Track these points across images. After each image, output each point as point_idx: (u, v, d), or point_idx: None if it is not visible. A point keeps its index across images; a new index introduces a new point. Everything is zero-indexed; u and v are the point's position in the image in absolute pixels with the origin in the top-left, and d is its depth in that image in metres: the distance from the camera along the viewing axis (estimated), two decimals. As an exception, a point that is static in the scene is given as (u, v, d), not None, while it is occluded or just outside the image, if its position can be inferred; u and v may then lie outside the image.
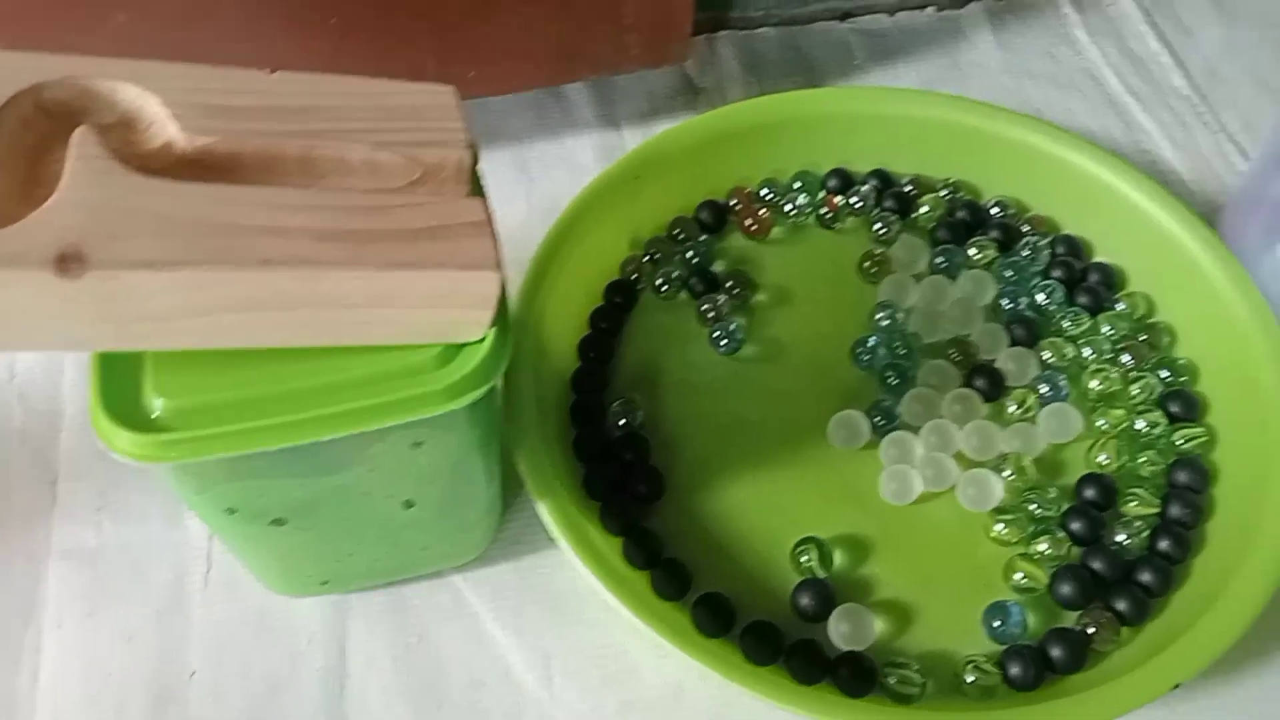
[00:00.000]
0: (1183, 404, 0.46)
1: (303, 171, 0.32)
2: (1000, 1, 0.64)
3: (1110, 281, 0.50)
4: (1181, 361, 0.48)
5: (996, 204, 0.53)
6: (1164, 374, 0.47)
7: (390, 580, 0.43)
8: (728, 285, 0.50)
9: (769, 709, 0.37)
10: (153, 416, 0.30)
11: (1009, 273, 0.50)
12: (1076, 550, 0.43)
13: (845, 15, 0.63)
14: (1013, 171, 0.53)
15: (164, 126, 0.31)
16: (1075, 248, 0.52)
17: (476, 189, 0.35)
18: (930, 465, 0.45)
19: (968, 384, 0.47)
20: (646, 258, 0.51)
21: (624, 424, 0.46)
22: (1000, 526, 0.43)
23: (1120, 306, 0.49)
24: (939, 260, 0.51)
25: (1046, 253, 0.51)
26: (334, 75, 0.34)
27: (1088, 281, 0.50)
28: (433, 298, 0.31)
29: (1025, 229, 0.52)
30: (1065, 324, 0.49)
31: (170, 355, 0.31)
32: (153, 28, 0.45)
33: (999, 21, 0.64)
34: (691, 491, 0.45)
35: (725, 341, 0.48)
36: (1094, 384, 0.47)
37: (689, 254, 0.51)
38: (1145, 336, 0.48)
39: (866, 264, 0.51)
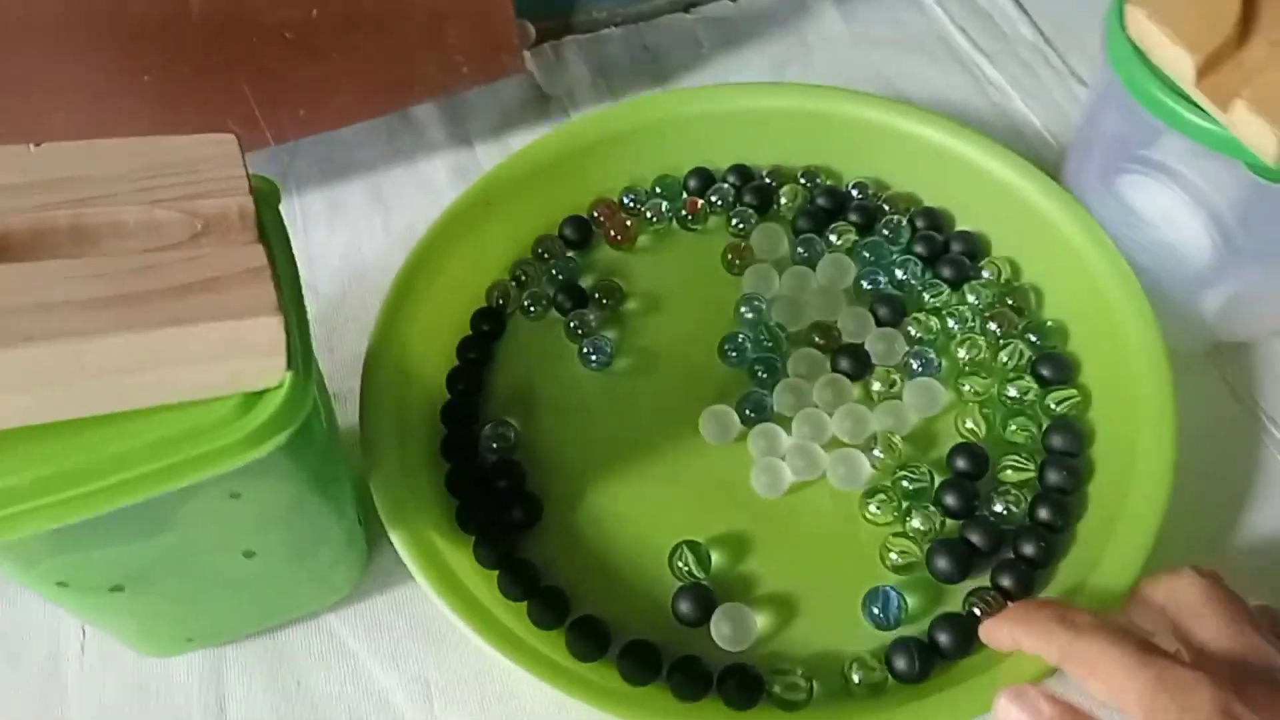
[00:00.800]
0: (1053, 367, 0.46)
1: (75, 241, 0.32)
2: (842, -27, 0.65)
3: (974, 251, 0.50)
4: (1049, 324, 0.48)
5: (855, 186, 0.53)
6: (1032, 338, 0.47)
7: (260, 629, 0.42)
8: (596, 298, 0.50)
9: None
10: (-54, 505, 0.30)
11: (867, 253, 0.50)
12: (953, 524, 0.43)
13: (689, 6, 0.63)
14: (868, 152, 0.53)
15: (-75, 214, 0.31)
16: (936, 221, 0.52)
17: (269, 231, 0.34)
18: (799, 454, 0.45)
19: (834, 368, 0.47)
20: (513, 281, 0.51)
21: (497, 449, 0.46)
22: (874, 507, 0.43)
23: (985, 275, 0.49)
24: (799, 250, 0.51)
25: (907, 230, 0.51)
26: (105, 140, 0.34)
27: (950, 253, 0.50)
28: (214, 350, 0.31)
29: (886, 208, 0.52)
30: (927, 297, 0.49)
31: (-35, 441, 0.31)
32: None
33: (842, -7, 0.64)
34: (570, 512, 0.45)
35: (595, 357, 0.48)
36: (962, 353, 0.47)
37: (555, 272, 0.51)
38: (1011, 301, 0.48)
39: (729, 256, 0.51)
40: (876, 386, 0.46)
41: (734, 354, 0.48)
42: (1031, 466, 0.43)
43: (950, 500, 0.43)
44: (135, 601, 0.37)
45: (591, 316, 0.49)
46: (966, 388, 0.46)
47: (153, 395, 0.31)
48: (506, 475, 0.45)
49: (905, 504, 0.43)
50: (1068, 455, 0.44)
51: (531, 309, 0.50)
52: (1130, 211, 0.45)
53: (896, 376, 0.46)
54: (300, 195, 0.56)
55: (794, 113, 0.53)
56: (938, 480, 0.44)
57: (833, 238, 0.51)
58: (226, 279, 0.31)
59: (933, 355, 0.47)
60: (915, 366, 0.47)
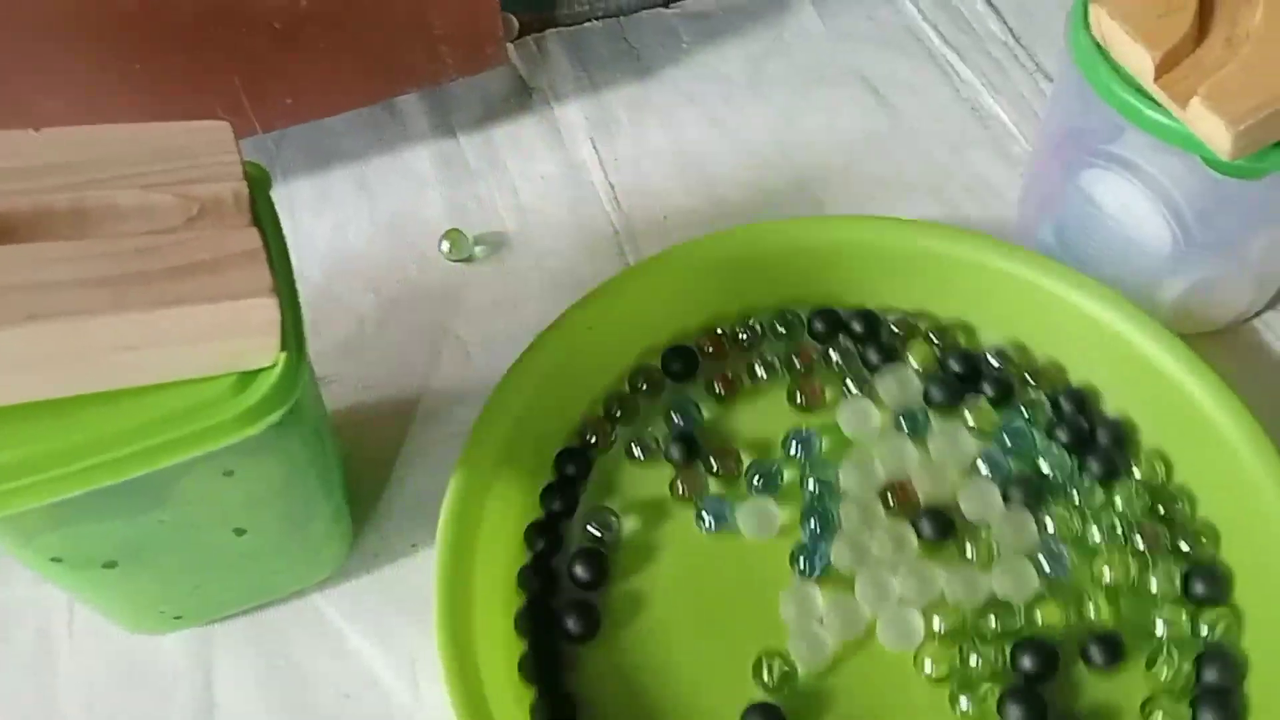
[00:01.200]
0: (1206, 582, 0.42)
1: (75, 224, 0.33)
2: (819, -29, 0.66)
3: (1121, 440, 0.46)
4: (1201, 532, 0.43)
5: (995, 352, 0.49)
6: (1183, 545, 0.43)
7: (248, 607, 0.43)
8: (711, 462, 0.46)
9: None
10: (-44, 478, 0.31)
11: (1007, 438, 0.46)
12: None
13: (669, 1, 0.65)
14: (1008, 310, 0.49)
15: (-73, 196, 0.32)
16: (1083, 403, 0.47)
17: (262, 216, 0.35)
18: (838, 612, 0.42)
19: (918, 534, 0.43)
20: (607, 417, 0.47)
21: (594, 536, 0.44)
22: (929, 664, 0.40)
23: (1136, 473, 0.45)
24: (913, 421, 0.46)
25: (1047, 409, 0.46)
26: (102, 126, 0.35)
27: (1098, 443, 0.46)
28: (211, 330, 0.32)
29: (1030, 380, 0.48)
30: (1076, 496, 0.44)
31: (-34, 417, 0.31)
32: (-47, 93, 0.45)
33: (818, -10, 0.66)
34: (623, 654, 0.42)
35: (711, 522, 0.44)
36: (1106, 573, 0.42)
37: (674, 415, 0.47)
38: (1163, 509, 0.44)
39: (800, 398, 0.47)
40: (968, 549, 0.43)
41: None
42: (1187, 712, 0.39)
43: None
44: (128, 578, 0.38)
45: (705, 476, 0.45)
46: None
47: (151, 373, 0.32)
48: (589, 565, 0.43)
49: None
50: (1223, 692, 0.39)
51: (638, 452, 0.46)
52: (1092, 204, 0.47)
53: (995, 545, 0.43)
54: (287, 183, 0.56)
55: (933, 256, 0.49)
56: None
57: (968, 414, 0.46)
58: (222, 261, 0.32)
59: (1065, 552, 0.43)
60: (1047, 569, 0.42)
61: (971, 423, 0.46)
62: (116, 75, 0.47)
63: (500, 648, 0.41)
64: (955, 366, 0.48)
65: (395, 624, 0.43)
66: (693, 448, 0.46)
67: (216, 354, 0.32)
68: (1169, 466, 0.45)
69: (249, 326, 0.32)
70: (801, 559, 0.43)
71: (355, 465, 0.47)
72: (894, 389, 0.47)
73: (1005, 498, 0.44)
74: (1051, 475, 0.45)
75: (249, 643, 0.43)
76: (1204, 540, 0.43)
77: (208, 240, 0.33)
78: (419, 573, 0.44)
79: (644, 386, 0.48)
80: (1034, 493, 0.44)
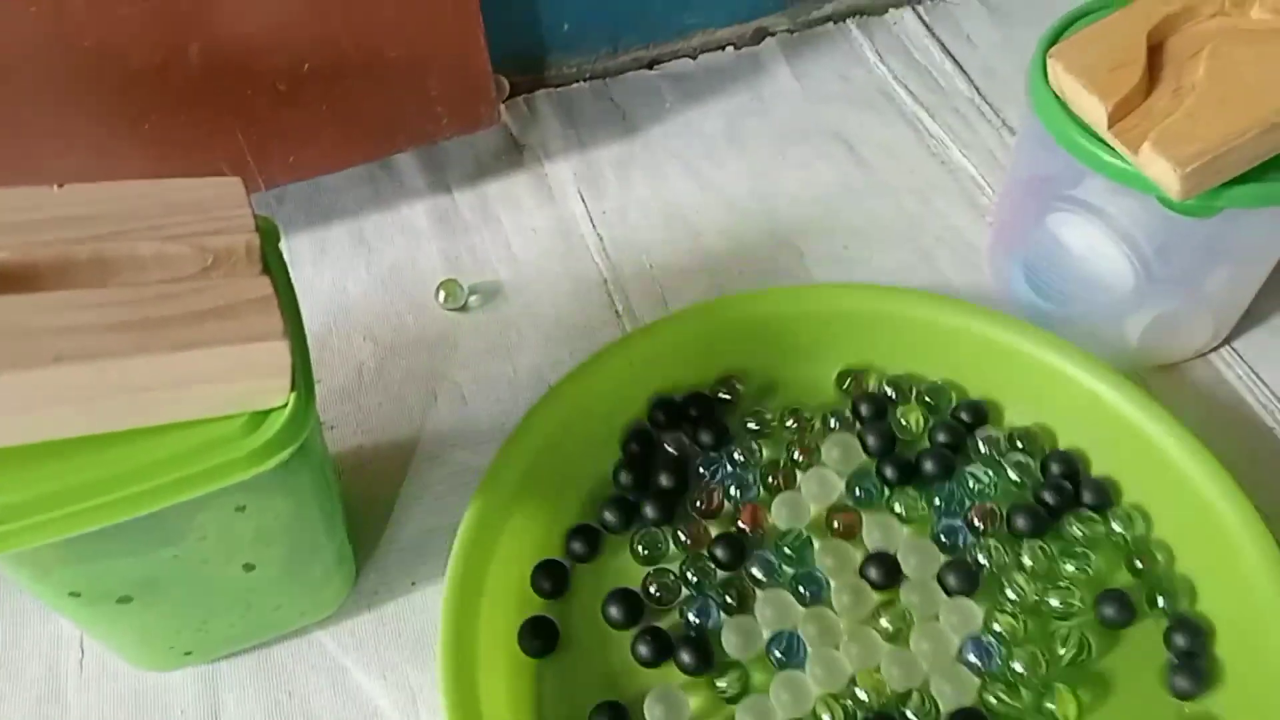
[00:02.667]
0: (1186, 633, 0.43)
1: (97, 272, 0.35)
2: (794, 33, 0.70)
3: (1105, 503, 0.47)
4: (1179, 586, 0.45)
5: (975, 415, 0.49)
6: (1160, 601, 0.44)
7: (255, 644, 0.45)
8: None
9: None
10: (-19, 514, 0.32)
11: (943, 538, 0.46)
12: None
13: (652, 63, 0.68)
14: (993, 373, 0.50)
15: (-42, 248, 0.34)
16: (1072, 466, 0.48)
17: (270, 266, 0.37)
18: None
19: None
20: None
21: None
22: None
23: (1115, 525, 0.46)
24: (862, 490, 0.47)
25: (1035, 472, 0.48)
26: (121, 182, 0.37)
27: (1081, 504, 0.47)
28: (225, 371, 0.34)
29: (1019, 444, 0.49)
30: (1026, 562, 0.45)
31: (-9, 455, 0.33)
32: (-29, 156, 0.47)
33: (794, 52, 0.69)
34: None
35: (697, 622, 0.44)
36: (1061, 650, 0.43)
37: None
38: (1140, 564, 0.45)
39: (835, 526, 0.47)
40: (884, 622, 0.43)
41: None
42: None
43: None
44: (142, 613, 0.39)
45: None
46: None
47: (168, 412, 0.34)
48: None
49: None
50: None
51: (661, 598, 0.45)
52: (1059, 245, 0.50)
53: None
54: (288, 238, 0.59)
55: (916, 322, 0.51)
56: None
57: (972, 478, 0.47)
58: (237, 307, 0.34)
59: (993, 646, 0.43)
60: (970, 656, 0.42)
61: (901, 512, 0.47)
62: (126, 134, 0.50)
63: (503, 686, 0.42)
64: (942, 438, 0.49)
65: (396, 660, 0.45)
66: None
67: (231, 394, 0.34)
68: (1148, 521, 0.46)
69: (261, 368, 0.34)
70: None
71: (356, 506, 0.48)
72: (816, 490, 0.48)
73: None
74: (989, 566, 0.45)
75: (255, 679, 0.44)
76: (1180, 594, 0.44)
77: (222, 288, 0.35)
78: (419, 610, 0.46)
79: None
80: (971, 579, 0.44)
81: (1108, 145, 0.44)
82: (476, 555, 0.44)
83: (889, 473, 0.47)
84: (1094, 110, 0.43)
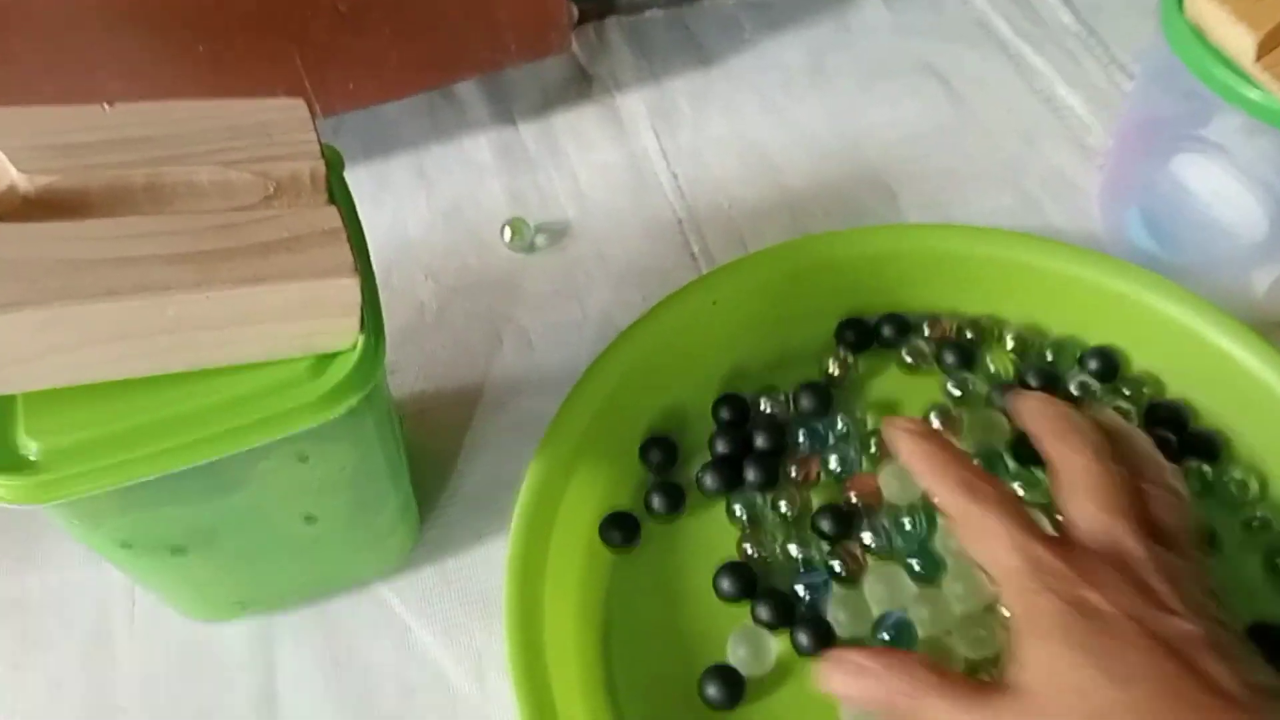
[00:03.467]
0: None
1: (152, 199, 0.32)
2: (884, -42, 0.65)
3: (1214, 453, 0.44)
4: None
5: (1096, 355, 0.46)
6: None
7: (313, 596, 0.42)
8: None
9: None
10: (30, 459, 0.30)
11: None
12: None
13: (731, -11, 0.64)
14: (1107, 319, 0.47)
15: (4, 171, 0.31)
16: (1178, 415, 0.45)
17: (336, 196, 0.34)
18: None
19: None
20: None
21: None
22: None
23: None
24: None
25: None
26: (178, 101, 0.34)
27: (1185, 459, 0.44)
28: (292, 309, 0.31)
29: (1126, 391, 0.45)
30: None
31: (41, 396, 0.31)
32: (24, 78, 0.45)
33: (884, -21, 0.64)
34: None
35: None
36: None
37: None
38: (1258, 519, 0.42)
39: None
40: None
41: None
42: None
43: None
44: (196, 564, 0.37)
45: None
46: None
47: (230, 353, 0.31)
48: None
49: None
50: None
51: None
52: (1182, 189, 0.46)
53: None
54: (346, 170, 0.55)
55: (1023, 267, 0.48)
56: None
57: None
58: (303, 239, 0.31)
59: None
60: None
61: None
62: (179, 58, 0.47)
63: (571, 645, 0.40)
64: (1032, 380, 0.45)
65: (461, 617, 0.42)
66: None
67: (296, 334, 0.31)
68: (1263, 480, 0.43)
69: (330, 307, 0.31)
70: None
71: (418, 455, 0.46)
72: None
73: None
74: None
75: (313, 633, 0.42)
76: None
77: (287, 219, 0.32)
78: (484, 565, 0.43)
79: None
80: None
81: (1250, 80, 0.40)
82: (541, 512, 0.41)
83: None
84: (1239, 40, 0.39)
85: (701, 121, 0.58)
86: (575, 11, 0.60)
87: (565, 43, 0.54)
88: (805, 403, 0.45)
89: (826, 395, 0.45)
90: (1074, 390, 0.45)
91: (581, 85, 0.60)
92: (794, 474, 0.44)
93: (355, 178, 0.55)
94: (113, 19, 0.45)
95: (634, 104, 0.59)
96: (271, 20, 0.47)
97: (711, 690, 0.39)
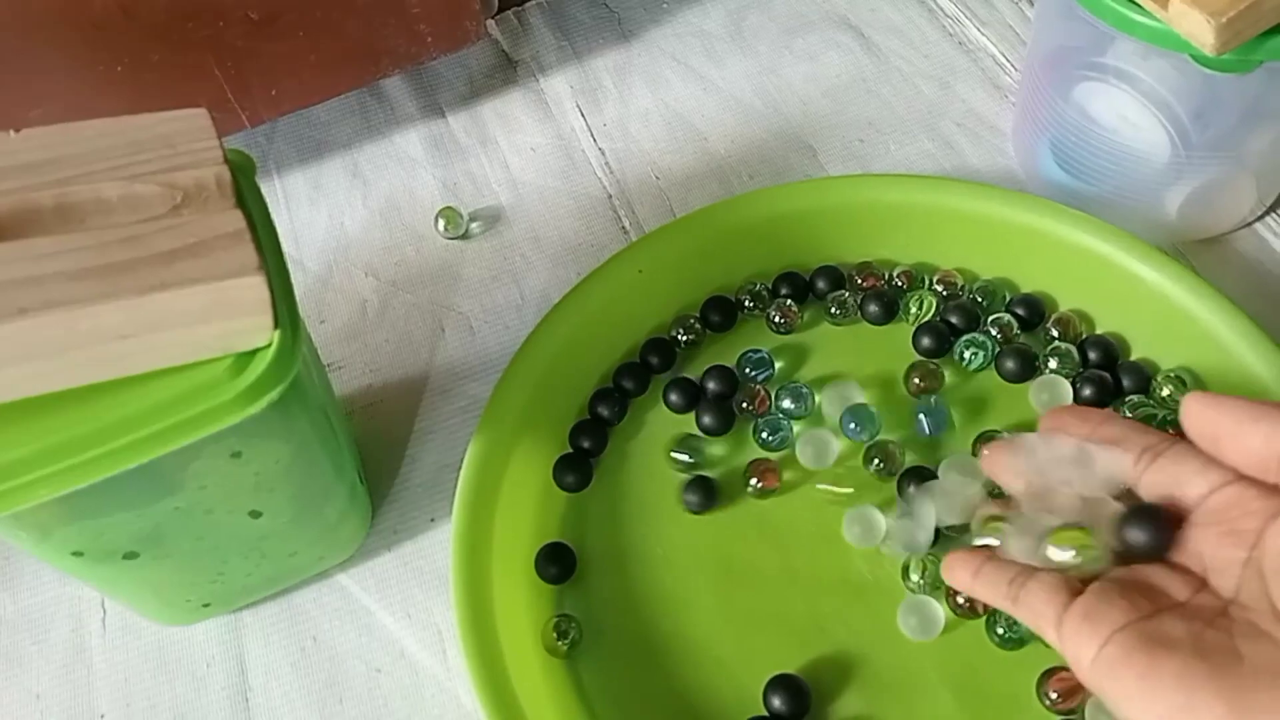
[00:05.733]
0: None
1: (61, 219, 0.33)
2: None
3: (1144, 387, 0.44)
4: None
5: (1022, 303, 0.47)
6: None
7: (275, 591, 0.44)
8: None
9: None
10: (-42, 478, 0.31)
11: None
12: None
13: (646, -39, 0.64)
14: (1035, 262, 0.48)
15: (-87, 203, 0.32)
16: (1110, 352, 0.45)
17: (246, 200, 0.35)
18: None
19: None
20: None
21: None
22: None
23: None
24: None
25: (1074, 360, 0.45)
26: (81, 122, 0.35)
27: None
28: (203, 312, 0.32)
29: (1053, 333, 0.46)
30: None
31: (-33, 418, 0.32)
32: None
33: (795, -62, 0.65)
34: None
35: (771, 437, 0.45)
36: None
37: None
38: None
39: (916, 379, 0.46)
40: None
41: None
42: None
43: None
44: (150, 568, 0.38)
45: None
46: None
47: (147, 360, 0.32)
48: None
49: None
50: None
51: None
52: (1088, 119, 0.46)
53: None
54: (281, 176, 0.57)
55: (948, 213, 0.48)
56: None
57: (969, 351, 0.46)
58: (209, 243, 0.32)
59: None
60: None
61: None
62: (99, 80, 0.48)
63: (522, 613, 0.41)
64: (955, 319, 0.47)
65: (419, 597, 0.44)
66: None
67: (210, 336, 0.32)
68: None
69: (240, 306, 0.32)
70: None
71: (369, 446, 0.47)
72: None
73: None
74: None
75: (278, 626, 0.43)
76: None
77: (193, 225, 0.33)
78: (439, 545, 0.45)
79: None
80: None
81: (1135, 4, 0.40)
82: (484, 489, 0.43)
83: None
84: (1117, -35, 0.40)
85: (626, 96, 0.59)
86: (494, -1, 0.61)
87: (480, 31, 0.54)
88: (714, 318, 0.48)
89: (733, 309, 0.48)
90: (994, 332, 0.46)
91: (506, 71, 0.61)
92: (745, 405, 0.46)
93: (291, 182, 0.57)
94: (27, 41, 0.46)
95: (558, 85, 0.60)
96: (184, 33, 0.48)
97: (691, 496, 0.43)
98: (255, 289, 0.32)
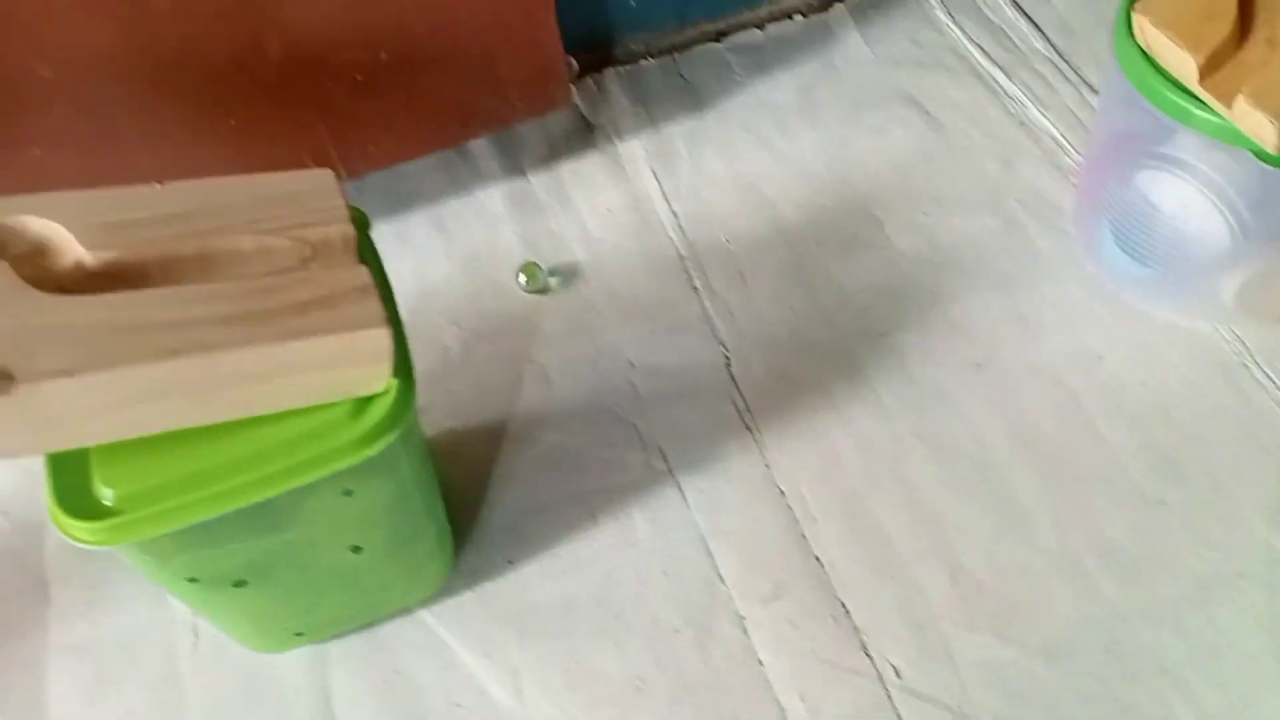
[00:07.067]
0: None
1: (202, 267, 0.36)
2: (861, -2, 0.69)
3: None
4: None
5: None
6: None
7: (363, 624, 0.46)
8: None
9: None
10: (106, 505, 0.34)
11: None
12: None
13: (720, 35, 0.67)
14: None
15: (71, 248, 0.35)
16: None
17: (365, 256, 0.38)
18: None
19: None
20: None
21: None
22: None
23: None
24: None
25: None
26: (220, 178, 0.38)
27: None
28: (330, 359, 0.35)
29: None
30: None
31: (112, 447, 0.34)
32: (65, 156, 0.49)
33: (863, 17, 0.68)
34: None
35: None
36: None
37: None
38: None
39: None
40: None
41: None
42: None
43: None
44: (254, 596, 0.40)
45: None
46: None
47: (276, 401, 0.35)
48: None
49: None
50: None
51: None
52: (1149, 204, 0.49)
53: None
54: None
55: None
56: None
57: None
58: (338, 296, 0.35)
59: None
60: None
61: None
62: (212, 129, 0.51)
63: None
64: None
65: (497, 636, 0.46)
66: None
67: (336, 381, 0.35)
68: None
69: (365, 355, 0.35)
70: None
71: (451, 488, 0.49)
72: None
73: None
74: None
75: (363, 658, 0.45)
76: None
77: (323, 278, 0.36)
78: (517, 587, 0.47)
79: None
80: None
81: (1199, 100, 0.43)
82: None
83: None
84: (1184, 64, 0.42)
85: (699, 162, 0.62)
86: (575, 66, 0.64)
87: (567, 97, 0.57)
88: None
89: None
90: None
91: (585, 134, 0.64)
92: None
93: (378, 233, 0.59)
94: (148, 99, 0.49)
95: (634, 149, 0.63)
96: (296, 93, 0.51)
97: None
98: (380, 340, 0.35)
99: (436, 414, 0.52)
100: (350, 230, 0.37)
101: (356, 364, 0.35)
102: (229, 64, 0.49)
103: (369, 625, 0.46)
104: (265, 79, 0.50)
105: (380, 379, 0.36)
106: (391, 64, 0.52)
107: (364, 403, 0.36)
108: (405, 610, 0.46)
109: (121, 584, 0.48)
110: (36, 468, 0.52)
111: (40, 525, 0.51)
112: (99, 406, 0.32)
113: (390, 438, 0.36)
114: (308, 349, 0.34)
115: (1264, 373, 0.50)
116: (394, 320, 0.37)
